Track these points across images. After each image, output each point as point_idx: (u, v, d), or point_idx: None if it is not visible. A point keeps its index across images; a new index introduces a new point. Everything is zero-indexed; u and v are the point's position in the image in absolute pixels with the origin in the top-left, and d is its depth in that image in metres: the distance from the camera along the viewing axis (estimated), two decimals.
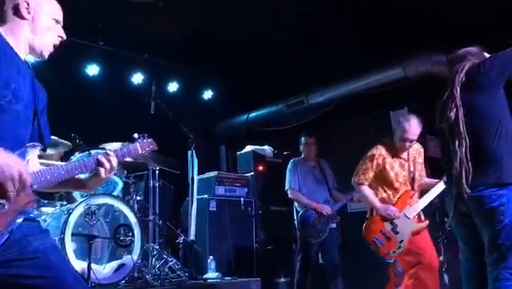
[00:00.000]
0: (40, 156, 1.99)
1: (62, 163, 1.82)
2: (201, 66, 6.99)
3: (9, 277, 1.63)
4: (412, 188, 3.91)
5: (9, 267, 1.63)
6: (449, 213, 2.84)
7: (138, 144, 2.02)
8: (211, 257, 5.06)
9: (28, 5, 1.80)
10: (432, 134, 6.22)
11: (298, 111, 6.96)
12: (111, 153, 1.87)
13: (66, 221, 3.79)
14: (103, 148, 4.45)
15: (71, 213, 3.85)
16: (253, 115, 7.53)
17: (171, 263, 4.65)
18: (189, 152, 5.04)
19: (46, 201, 4.27)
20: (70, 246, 3.78)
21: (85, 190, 2.00)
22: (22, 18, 1.80)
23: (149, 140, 2.07)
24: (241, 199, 5.87)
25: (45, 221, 4.06)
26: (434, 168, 6.06)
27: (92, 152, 4.38)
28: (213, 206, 5.60)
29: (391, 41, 5.60)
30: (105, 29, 5.79)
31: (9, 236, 1.59)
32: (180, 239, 5.06)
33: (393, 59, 5.94)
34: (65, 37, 1.91)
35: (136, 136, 2.04)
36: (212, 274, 4.87)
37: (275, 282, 5.58)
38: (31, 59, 1.88)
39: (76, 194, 4.35)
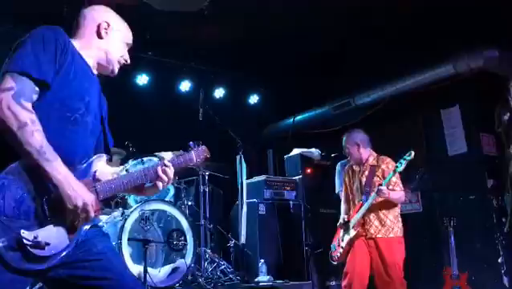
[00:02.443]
0: None
1: (125, 172, 1.90)
2: (247, 71, 7.05)
3: (73, 278, 1.71)
4: (363, 200, 3.99)
5: (74, 268, 1.70)
6: (508, 212, 2.76)
7: (193, 152, 2.06)
8: (262, 260, 5.09)
9: (108, 26, 1.93)
10: (485, 131, 6.01)
11: (344, 112, 6.89)
12: (169, 164, 1.93)
13: (122, 227, 3.94)
14: (155, 156, 4.59)
15: (126, 219, 3.99)
16: (299, 118, 7.52)
17: (223, 267, 4.73)
18: (237, 157, 5.10)
19: (104, 208, 4.46)
20: (126, 251, 3.92)
21: (142, 195, 2.08)
22: (99, 36, 1.92)
23: (203, 148, 2.10)
24: (290, 202, 5.87)
25: (102, 226, 4.23)
26: (489, 166, 5.87)
27: (145, 159, 4.53)
28: (262, 210, 5.63)
29: (440, 37, 5.45)
30: (153, 39, 5.97)
31: (73, 248, 1.67)
32: (231, 243, 5.13)
33: (443, 55, 5.78)
34: (129, 62, 2.01)
35: (191, 144, 2.08)
36: (263, 278, 4.91)
37: (326, 286, 5.54)
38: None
39: (131, 200, 4.51)
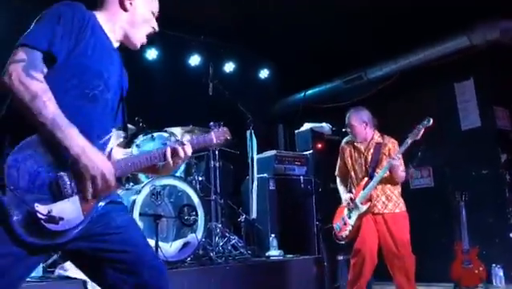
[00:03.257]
0: None
1: (137, 150, 1.87)
2: (257, 45, 6.96)
3: (93, 250, 1.72)
4: (370, 177, 4.00)
5: (93, 241, 1.71)
6: None
7: (213, 133, 2.01)
8: (273, 235, 5.12)
9: None
10: (499, 105, 5.91)
11: (356, 86, 6.81)
12: (187, 143, 1.89)
13: (133, 202, 3.96)
14: (165, 131, 4.58)
15: (137, 195, 4.01)
16: (310, 92, 7.45)
17: (234, 241, 4.76)
18: (248, 132, 5.07)
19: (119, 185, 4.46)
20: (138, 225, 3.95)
21: (156, 174, 2.05)
22: (123, 8, 1.86)
23: (224, 129, 2.06)
24: (301, 177, 5.86)
25: (122, 200, 4.25)
26: (502, 140, 5.79)
27: (155, 134, 4.52)
28: (272, 185, 5.63)
29: (455, 8, 5.30)
30: (162, 13, 5.89)
31: (88, 222, 1.66)
32: (242, 218, 5.15)
33: (458, 26, 5.64)
34: (157, 29, 1.95)
35: (211, 125, 2.03)
36: (274, 252, 4.94)
37: (336, 260, 5.57)
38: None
39: (142, 175, 4.52)
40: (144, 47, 7.15)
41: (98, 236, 1.72)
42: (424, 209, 5.57)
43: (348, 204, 4.08)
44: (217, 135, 2.02)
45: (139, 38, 1.92)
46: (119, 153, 1.89)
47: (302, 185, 5.83)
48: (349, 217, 4.10)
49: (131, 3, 1.87)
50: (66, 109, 1.58)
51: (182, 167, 4.83)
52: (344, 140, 4.37)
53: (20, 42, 1.59)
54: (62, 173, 1.57)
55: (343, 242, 4.26)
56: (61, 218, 1.54)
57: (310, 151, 6.09)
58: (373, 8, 5.80)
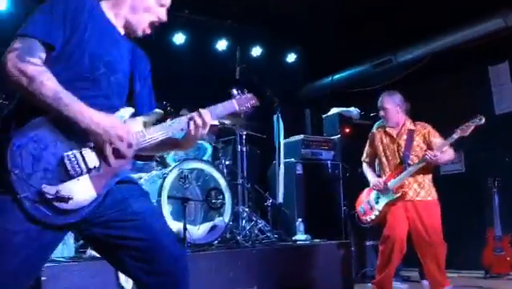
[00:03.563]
0: None
1: (158, 125, 1.85)
2: (284, 28, 6.89)
3: (108, 237, 1.72)
4: (402, 162, 3.96)
5: (109, 228, 1.71)
6: None
7: (234, 100, 1.97)
8: (299, 219, 5.12)
9: None
10: None
11: (385, 70, 6.67)
12: (204, 111, 1.86)
13: (161, 185, 4.01)
14: None
15: (165, 178, 4.06)
16: (337, 76, 7.35)
17: (260, 225, 4.78)
18: (275, 117, 5.05)
19: (142, 164, 4.53)
20: (166, 208, 4.01)
21: (179, 149, 2.01)
22: None
23: (248, 96, 2.00)
24: (328, 162, 5.82)
25: (142, 185, 4.32)
26: None
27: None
28: (299, 170, 5.62)
29: None
30: None
31: (105, 198, 1.67)
32: (269, 202, 5.16)
33: (492, 7, 5.44)
34: (165, 19, 1.91)
35: (234, 91, 1.97)
36: (301, 236, 4.94)
37: (363, 245, 5.54)
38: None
39: (170, 159, 4.57)
40: (171, 32, 7.22)
41: (113, 222, 1.71)
42: (455, 196, 5.45)
43: (378, 188, 4.03)
44: (240, 102, 1.98)
45: (139, 25, 1.88)
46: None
47: (330, 170, 5.80)
48: (376, 202, 4.06)
49: None
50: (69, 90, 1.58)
51: (209, 151, 4.85)
52: (375, 126, 4.31)
53: (17, 33, 1.61)
54: (69, 153, 1.58)
55: (366, 226, 4.24)
56: (70, 198, 1.54)
57: (338, 135, 6.03)
58: None
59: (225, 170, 4.79)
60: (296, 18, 6.37)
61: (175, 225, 3.98)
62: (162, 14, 1.91)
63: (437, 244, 3.84)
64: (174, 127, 1.84)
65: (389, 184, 3.98)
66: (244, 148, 5.03)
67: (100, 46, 1.74)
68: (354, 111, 6.24)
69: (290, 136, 5.78)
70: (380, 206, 4.02)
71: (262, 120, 5.28)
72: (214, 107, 1.92)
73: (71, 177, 1.58)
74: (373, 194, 4.12)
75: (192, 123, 1.84)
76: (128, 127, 1.68)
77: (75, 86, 1.63)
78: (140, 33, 1.90)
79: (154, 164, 4.63)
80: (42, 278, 2.81)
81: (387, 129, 4.16)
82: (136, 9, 1.86)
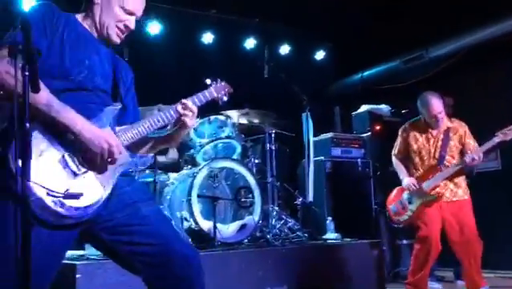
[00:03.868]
0: None
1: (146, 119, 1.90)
2: (312, 26, 6.84)
3: (116, 243, 1.74)
4: (439, 163, 3.89)
5: (115, 234, 1.73)
6: None
7: (212, 88, 2.10)
8: (330, 218, 5.07)
9: None
10: None
11: (416, 66, 6.53)
12: (186, 100, 1.95)
13: (192, 184, 4.04)
14: (222, 114, 4.62)
15: (195, 177, 4.08)
16: (367, 73, 7.25)
17: (290, 224, 4.75)
18: (304, 115, 5.02)
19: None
20: (196, 207, 4.03)
21: (172, 143, 2.07)
22: (92, 2, 1.91)
23: (223, 84, 2.14)
24: (358, 160, 5.75)
25: (173, 184, 4.37)
26: None
27: (211, 118, 4.56)
28: (329, 168, 5.58)
29: None
30: None
31: (111, 197, 1.70)
32: (298, 201, 5.13)
33: None
34: (132, 28, 1.94)
35: (208, 81, 2.11)
36: (331, 235, 4.89)
37: (396, 245, 5.44)
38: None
39: (199, 159, 4.59)
40: (200, 32, 7.24)
41: (120, 227, 1.73)
42: (491, 194, 5.30)
43: (412, 189, 3.95)
44: (217, 89, 2.11)
45: (108, 31, 1.91)
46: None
47: (360, 168, 5.72)
48: (409, 202, 3.99)
49: None
50: (57, 96, 1.64)
51: (238, 150, 4.85)
52: (408, 122, 4.20)
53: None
54: (69, 153, 1.63)
55: (399, 226, 4.16)
56: (80, 194, 1.58)
57: (368, 133, 5.95)
58: None
59: (254, 169, 4.79)
60: (324, 14, 6.31)
61: (205, 224, 4.01)
62: (130, 22, 1.94)
63: (474, 242, 3.79)
64: (161, 120, 1.89)
65: (424, 185, 3.90)
66: (273, 147, 5.01)
67: (80, 52, 1.81)
68: (384, 108, 6.14)
69: (319, 133, 5.74)
70: (414, 207, 3.94)
71: (291, 118, 5.26)
72: (195, 96, 2.02)
73: (76, 175, 1.63)
74: (405, 194, 4.04)
75: (188, 111, 1.92)
76: (112, 134, 1.73)
77: (60, 86, 1.70)
78: (114, 39, 1.94)
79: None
80: (77, 276, 2.87)
81: (423, 128, 4.05)
82: (102, 16, 1.90)
